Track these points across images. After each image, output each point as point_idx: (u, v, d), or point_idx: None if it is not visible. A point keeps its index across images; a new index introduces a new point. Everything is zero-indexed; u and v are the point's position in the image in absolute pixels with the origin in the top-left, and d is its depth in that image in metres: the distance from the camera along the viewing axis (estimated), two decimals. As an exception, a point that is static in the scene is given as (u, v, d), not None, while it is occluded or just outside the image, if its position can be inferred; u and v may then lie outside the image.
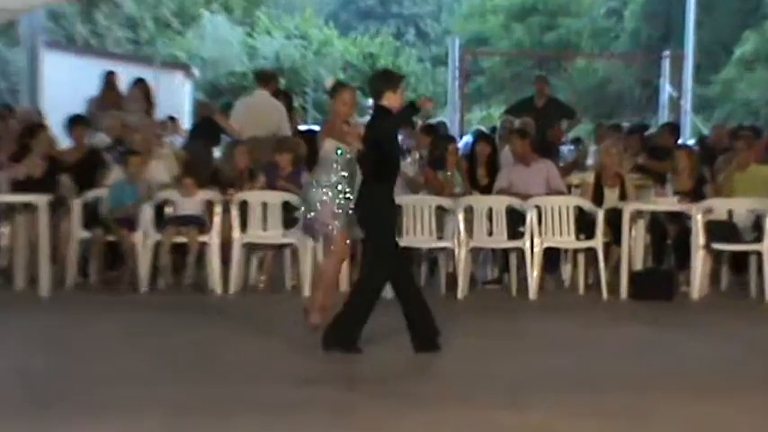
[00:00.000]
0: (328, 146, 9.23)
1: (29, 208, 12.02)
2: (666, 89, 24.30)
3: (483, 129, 19.23)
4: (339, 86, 9.67)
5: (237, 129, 13.93)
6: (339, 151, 9.15)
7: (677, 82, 24.08)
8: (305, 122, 22.21)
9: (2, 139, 13.36)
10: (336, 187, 9.13)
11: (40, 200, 11.80)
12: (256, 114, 14.06)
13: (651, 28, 37.47)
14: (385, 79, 9.29)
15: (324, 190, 9.13)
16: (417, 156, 13.61)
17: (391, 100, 9.04)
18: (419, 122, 15.89)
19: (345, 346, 8.75)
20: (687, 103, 23.85)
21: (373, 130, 9.16)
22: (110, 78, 15.67)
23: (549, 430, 6.70)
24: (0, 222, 12.34)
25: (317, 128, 15.57)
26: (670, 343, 9.64)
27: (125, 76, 16.00)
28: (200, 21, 35.86)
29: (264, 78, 14.83)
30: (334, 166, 9.17)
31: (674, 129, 16.30)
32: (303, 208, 9.38)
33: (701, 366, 8.69)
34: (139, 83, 15.53)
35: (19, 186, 12.27)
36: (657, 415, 7.09)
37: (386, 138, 9.11)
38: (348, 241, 9.42)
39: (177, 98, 25.12)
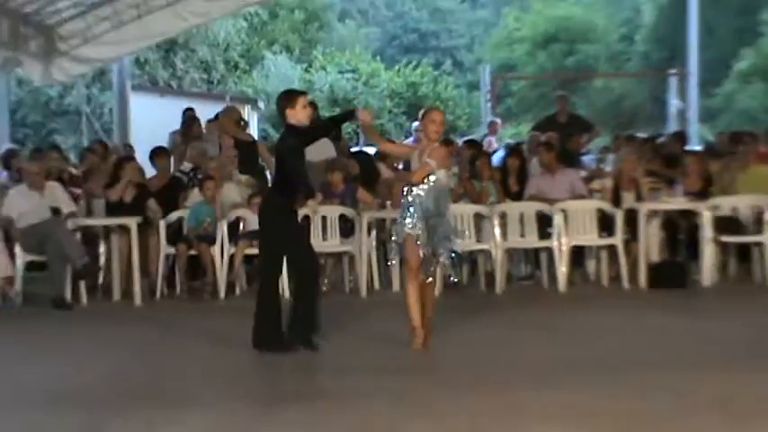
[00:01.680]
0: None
1: (122, 229, 12.11)
2: (674, 102, 24.10)
3: (513, 143, 19.13)
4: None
5: None
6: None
7: (684, 96, 23.90)
8: (356, 145, 22.27)
9: (98, 171, 13.45)
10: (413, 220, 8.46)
11: (132, 222, 11.89)
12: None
13: (659, 50, 37.31)
14: (283, 99, 8.58)
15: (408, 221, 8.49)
16: (456, 169, 13.56)
17: (293, 115, 8.43)
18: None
19: (275, 348, 8.42)
20: (693, 114, 23.66)
21: (279, 147, 8.65)
22: (189, 114, 15.64)
23: (588, 409, 6.51)
24: (98, 243, 12.42)
25: (368, 149, 15.57)
26: (687, 326, 9.52)
27: (201, 111, 16.05)
28: (263, 61, 36.01)
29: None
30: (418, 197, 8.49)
31: (681, 137, 16.15)
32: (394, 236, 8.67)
33: (717, 346, 8.56)
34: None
35: (112, 211, 12.37)
36: (687, 391, 6.93)
37: (288, 154, 8.45)
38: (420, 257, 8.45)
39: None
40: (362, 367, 7.97)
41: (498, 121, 20.31)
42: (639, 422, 6.17)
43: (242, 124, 14.80)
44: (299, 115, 8.44)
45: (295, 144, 8.47)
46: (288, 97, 8.55)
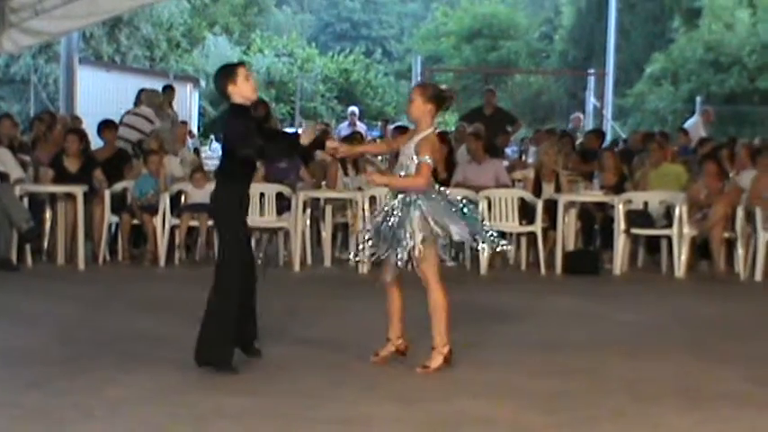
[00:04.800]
0: None
1: (68, 197, 11.96)
2: (591, 100, 24.38)
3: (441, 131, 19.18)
4: None
5: None
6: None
7: (600, 94, 24.18)
8: (292, 126, 22.22)
9: (45, 140, 13.27)
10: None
11: (78, 190, 11.75)
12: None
13: (576, 49, 37.67)
14: (221, 76, 6.88)
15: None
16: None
17: (237, 92, 6.77)
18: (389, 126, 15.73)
19: (217, 365, 6.76)
20: (608, 112, 23.91)
21: (225, 131, 7.04)
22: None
23: (510, 387, 6.61)
24: (44, 209, 12.24)
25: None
26: (598, 311, 9.64)
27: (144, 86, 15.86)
28: (204, 41, 35.72)
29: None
30: None
31: (599, 134, 16.34)
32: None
33: (627, 330, 8.70)
34: (168, 89, 15.45)
35: (59, 179, 12.19)
36: (600, 372, 7.05)
37: (238, 139, 6.75)
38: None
39: (187, 105, 25.00)
40: (297, 338, 7.97)
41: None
42: (559, 401, 6.25)
43: None
44: (243, 90, 6.77)
45: (244, 126, 6.79)
46: (226, 73, 6.85)
